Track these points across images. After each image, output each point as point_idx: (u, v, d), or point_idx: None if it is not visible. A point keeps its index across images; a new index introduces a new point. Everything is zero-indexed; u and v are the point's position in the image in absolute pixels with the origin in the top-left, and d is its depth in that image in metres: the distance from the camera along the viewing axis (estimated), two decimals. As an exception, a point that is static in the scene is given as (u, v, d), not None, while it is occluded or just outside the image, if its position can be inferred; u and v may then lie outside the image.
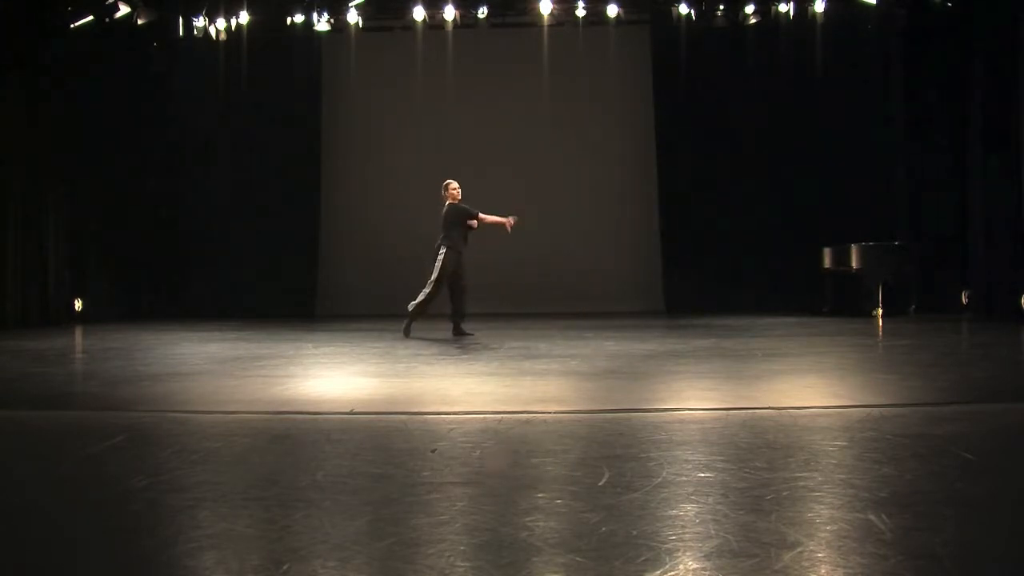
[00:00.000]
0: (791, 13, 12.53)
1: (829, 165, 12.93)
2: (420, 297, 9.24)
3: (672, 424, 4.26)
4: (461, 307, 9.41)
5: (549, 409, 4.70)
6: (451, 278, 9.24)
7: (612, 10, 12.76)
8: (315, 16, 12.71)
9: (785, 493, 2.97)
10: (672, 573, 2.25)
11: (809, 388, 5.55)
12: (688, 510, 2.81)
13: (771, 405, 4.68)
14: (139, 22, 11.86)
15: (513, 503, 2.92)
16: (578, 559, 2.36)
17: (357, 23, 12.98)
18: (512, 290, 13.61)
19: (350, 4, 12.60)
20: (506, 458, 3.56)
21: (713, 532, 2.57)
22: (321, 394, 5.65)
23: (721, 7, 12.51)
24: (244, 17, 12.54)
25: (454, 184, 9.39)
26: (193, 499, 3.01)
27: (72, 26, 11.79)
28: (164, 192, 13.66)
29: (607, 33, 13.45)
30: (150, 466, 3.50)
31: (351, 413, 4.70)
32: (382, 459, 3.68)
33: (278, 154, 13.61)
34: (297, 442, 4.03)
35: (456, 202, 9.33)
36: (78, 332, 10.82)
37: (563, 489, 3.08)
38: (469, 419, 4.44)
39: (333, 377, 6.47)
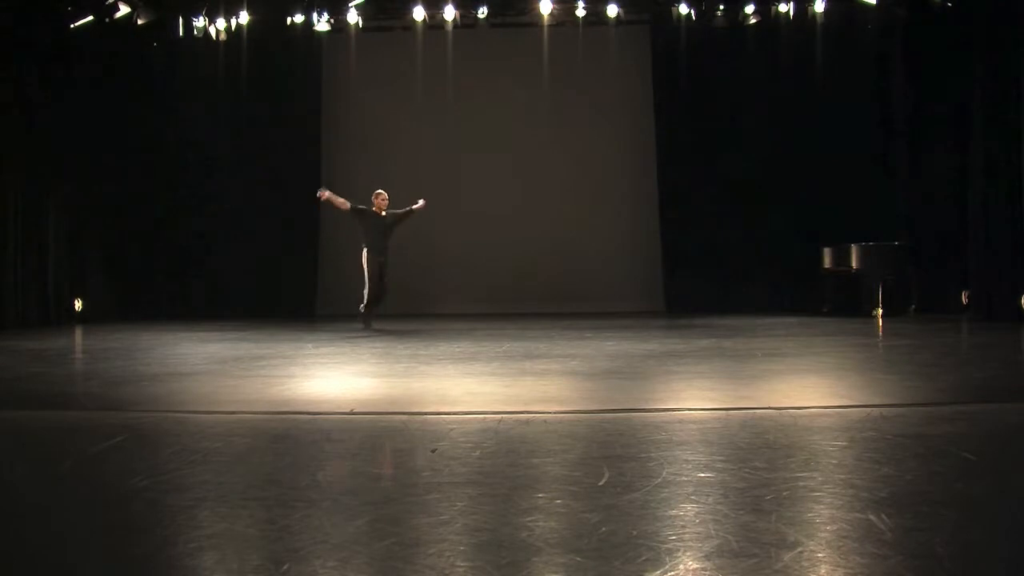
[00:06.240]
0: (791, 13, 12.53)
1: (829, 165, 12.90)
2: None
3: (672, 424, 4.26)
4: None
5: (549, 409, 4.69)
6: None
7: (612, 10, 12.75)
8: (315, 16, 12.70)
9: (785, 493, 2.97)
10: (672, 573, 2.25)
11: (809, 388, 5.55)
12: (688, 510, 2.81)
13: (771, 405, 4.68)
14: (139, 22, 11.86)
15: (513, 503, 2.92)
16: (578, 559, 2.36)
17: (357, 23, 12.96)
18: (512, 290, 13.62)
19: (350, 4, 12.59)
20: (506, 458, 3.56)
21: (713, 532, 2.56)
22: (321, 394, 5.65)
23: (721, 7, 12.50)
24: (244, 17, 12.53)
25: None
26: (193, 499, 3.01)
27: (72, 26, 11.79)
28: (164, 192, 13.64)
29: (607, 33, 13.44)
30: (150, 466, 3.50)
31: (351, 413, 4.70)
32: (382, 459, 3.68)
33: (278, 154, 13.59)
34: (297, 442, 4.02)
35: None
36: (78, 332, 10.81)
37: (563, 489, 3.08)
38: (469, 419, 4.44)
39: (333, 377, 6.47)
